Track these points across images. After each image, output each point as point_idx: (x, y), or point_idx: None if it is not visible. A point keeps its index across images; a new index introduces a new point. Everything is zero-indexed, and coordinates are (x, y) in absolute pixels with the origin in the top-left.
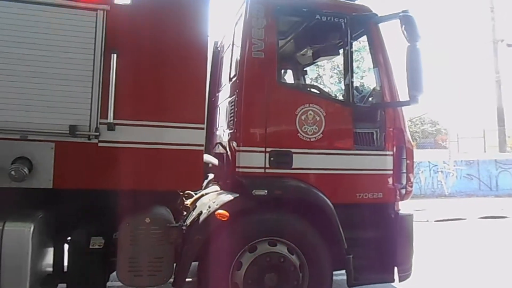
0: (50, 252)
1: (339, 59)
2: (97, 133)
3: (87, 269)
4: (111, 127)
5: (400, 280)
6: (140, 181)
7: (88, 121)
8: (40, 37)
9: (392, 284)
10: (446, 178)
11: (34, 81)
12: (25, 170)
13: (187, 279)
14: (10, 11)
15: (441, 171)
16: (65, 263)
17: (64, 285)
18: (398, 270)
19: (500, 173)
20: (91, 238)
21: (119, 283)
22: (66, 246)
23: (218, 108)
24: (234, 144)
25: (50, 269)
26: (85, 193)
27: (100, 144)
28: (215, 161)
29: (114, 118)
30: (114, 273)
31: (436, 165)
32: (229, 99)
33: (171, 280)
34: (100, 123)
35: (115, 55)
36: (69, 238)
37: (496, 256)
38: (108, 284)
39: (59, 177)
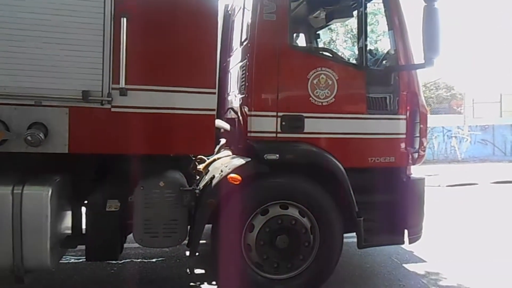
0: (68, 214)
1: (353, 22)
2: (110, 98)
3: (104, 231)
4: (123, 92)
5: (410, 242)
6: (153, 146)
7: (101, 86)
8: (50, 1)
9: (402, 246)
10: (460, 143)
11: (45, 47)
12: (40, 135)
13: (201, 241)
14: None
15: (455, 136)
16: (83, 225)
17: (83, 246)
18: (409, 233)
19: None
20: (107, 201)
21: (136, 244)
22: (83, 209)
23: (230, 73)
24: (246, 109)
25: (69, 231)
26: (100, 157)
27: (113, 109)
28: (227, 126)
29: (126, 84)
30: (131, 234)
31: (450, 131)
32: (241, 63)
33: (186, 241)
34: (112, 88)
35: (125, 19)
36: (86, 201)
37: (504, 220)
38: (125, 245)
39: (74, 142)
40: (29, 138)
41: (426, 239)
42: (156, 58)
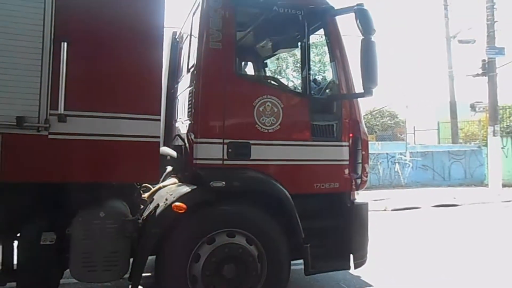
0: None
1: (298, 51)
2: (47, 125)
3: (38, 266)
4: (62, 118)
5: (355, 267)
6: (94, 174)
7: (37, 112)
8: None
9: (349, 271)
10: (403, 169)
11: None
12: None
13: (144, 274)
14: None
15: (398, 162)
16: (15, 260)
17: (14, 283)
18: (354, 257)
19: (453, 164)
20: (42, 234)
21: (74, 280)
22: (15, 243)
23: (177, 100)
24: (192, 135)
25: None
26: (35, 186)
27: (50, 136)
28: (173, 153)
29: (65, 109)
30: (68, 270)
31: (393, 157)
32: (187, 90)
33: (128, 275)
34: (50, 114)
35: (65, 43)
36: (18, 233)
37: (447, 241)
38: (63, 281)
39: (6, 170)
40: None
41: (373, 263)
42: (98, 84)
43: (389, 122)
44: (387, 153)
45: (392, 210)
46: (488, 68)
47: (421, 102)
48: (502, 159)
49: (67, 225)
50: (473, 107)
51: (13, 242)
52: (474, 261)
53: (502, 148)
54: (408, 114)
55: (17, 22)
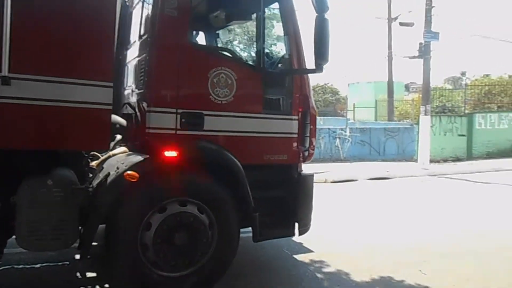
0: None
1: (253, 24)
2: None
3: None
4: (5, 81)
5: (299, 234)
6: (41, 141)
7: None
8: None
9: (293, 238)
10: (343, 143)
11: None
12: None
13: (93, 243)
14: None
15: (339, 137)
16: None
17: None
18: (299, 225)
19: (388, 140)
20: None
21: (17, 249)
22: None
23: (127, 67)
24: (144, 104)
25: None
26: None
27: None
28: (123, 121)
29: (9, 72)
30: (11, 238)
31: (334, 132)
32: (139, 58)
33: (77, 244)
34: None
35: (9, 0)
36: None
37: (379, 210)
38: (5, 251)
39: None
40: None
41: (314, 231)
42: (47, 46)
43: (330, 98)
44: (328, 128)
45: (332, 182)
46: (424, 51)
47: (361, 80)
48: (430, 136)
49: (12, 193)
50: (407, 87)
51: None
52: (400, 226)
53: (431, 126)
54: (348, 91)
55: None
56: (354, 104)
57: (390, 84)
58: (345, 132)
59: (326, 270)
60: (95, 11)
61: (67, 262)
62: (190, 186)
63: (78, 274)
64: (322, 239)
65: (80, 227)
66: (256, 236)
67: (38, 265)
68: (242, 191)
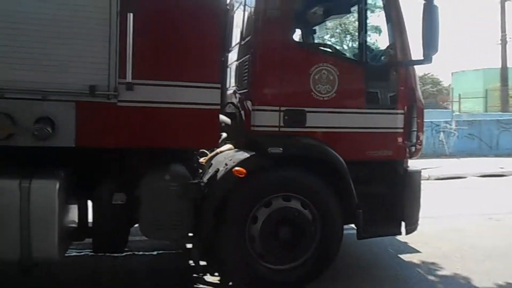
0: (75, 207)
1: (352, 18)
2: (116, 93)
3: (110, 224)
4: (129, 87)
5: (406, 233)
6: (159, 139)
7: (107, 81)
8: None
9: (397, 237)
10: (448, 138)
11: (52, 42)
12: (48, 129)
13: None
14: None
15: (443, 131)
16: (90, 218)
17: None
18: (405, 224)
19: (501, 133)
20: (113, 194)
21: (137, 237)
22: (90, 202)
23: (229, 68)
24: (249, 103)
25: (76, 224)
26: (106, 151)
27: (119, 104)
28: (227, 120)
29: (132, 78)
30: (135, 227)
31: (438, 125)
32: (242, 59)
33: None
34: (119, 83)
35: (131, 14)
36: (92, 194)
37: (492, 209)
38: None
39: (80, 136)
40: (36, 132)
41: (419, 231)
42: (162, 53)
43: (431, 89)
44: (431, 122)
45: (436, 179)
46: None
47: (466, 68)
48: None
49: (135, 186)
50: None
51: (87, 201)
52: None
53: None
54: (452, 81)
55: None
56: (459, 94)
57: (503, 71)
58: (451, 125)
59: (438, 272)
60: (202, 21)
61: (181, 251)
62: (294, 182)
63: (191, 262)
64: (429, 239)
65: (194, 219)
66: (360, 233)
67: (155, 252)
68: (345, 187)
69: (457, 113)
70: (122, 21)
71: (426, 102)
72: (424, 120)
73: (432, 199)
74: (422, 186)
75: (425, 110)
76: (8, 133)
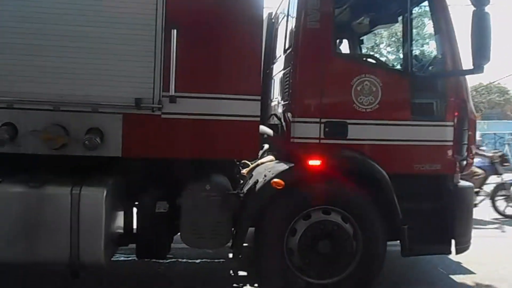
0: (121, 214)
1: (398, 27)
2: (160, 105)
3: (154, 231)
4: (173, 99)
5: (457, 253)
6: (200, 150)
7: (152, 94)
8: (107, 16)
9: (449, 256)
10: None
11: (102, 58)
12: (97, 139)
13: (244, 244)
14: None
15: (508, 144)
16: (134, 225)
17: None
18: (456, 243)
19: None
20: (156, 203)
21: (181, 245)
22: (135, 210)
23: (273, 80)
24: (289, 115)
25: (121, 230)
26: (150, 161)
27: (163, 116)
28: (270, 131)
29: (175, 91)
30: (177, 235)
31: (502, 137)
32: (284, 70)
33: (229, 244)
34: (163, 96)
35: (175, 31)
36: (137, 202)
37: None
38: (173, 245)
39: (127, 147)
40: (87, 142)
41: (475, 251)
42: (204, 67)
43: (497, 99)
44: (494, 133)
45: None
46: None
47: None
48: None
49: (177, 196)
50: None
51: (132, 209)
52: None
53: None
54: None
55: (133, 13)
56: None
57: None
58: None
59: None
60: (243, 35)
61: (223, 260)
62: (333, 195)
63: (231, 271)
64: (485, 260)
65: (232, 229)
66: (405, 250)
67: (198, 261)
68: (388, 202)
69: None
70: (167, 37)
71: (491, 112)
72: (487, 132)
73: (494, 217)
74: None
75: (489, 122)
76: (62, 143)
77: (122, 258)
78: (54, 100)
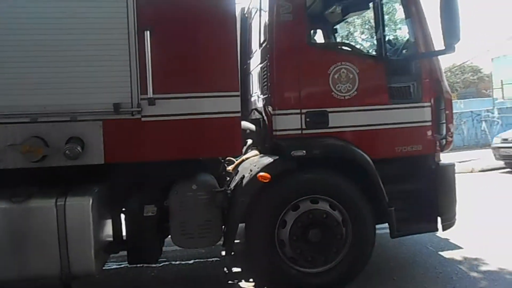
0: (109, 222)
1: (370, 13)
2: (139, 109)
3: (143, 235)
4: (151, 102)
5: (443, 229)
6: (183, 151)
7: (130, 98)
8: (80, 22)
9: (437, 234)
10: (491, 127)
11: (76, 65)
12: (78, 148)
13: (235, 241)
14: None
15: (485, 120)
16: (124, 231)
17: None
18: (442, 220)
19: None
20: (144, 207)
21: (173, 247)
22: (122, 216)
23: (251, 75)
24: (270, 108)
25: (111, 237)
26: (134, 165)
27: (143, 119)
28: (252, 126)
29: (153, 93)
30: (168, 237)
31: (479, 115)
32: (261, 65)
33: (221, 242)
34: (141, 99)
35: (148, 32)
36: (124, 208)
37: None
38: (164, 249)
39: (109, 153)
40: (67, 152)
41: (462, 226)
42: (180, 67)
43: (471, 78)
44: (471, 111)
45: (480, 171)
46: None
47: (509, 53)
48: None
49: (164, 198)
50: None
51: (120, 215)
52: None
53: None
54: (493, 67)
55: (105, 18)
56: (501, 81)
57: None
58: (493, 113)
59: (482, 268)
60: (218, 33)
61: (217, 259)
62: (320, 184)
63: (225, 269)
64: (472, 234)
65: (222, 226)
66: (393, 231)
67: (191, 261)
68: (374, 186)
69: (501, 100)
70: (140, 39)
71: (466, 91)
72: (463, 110)
73: (476, 192)
74: (462, 180)
75: (465, 100)
76: (42, 154)
77: (114, 266)
78: (31, 112)
